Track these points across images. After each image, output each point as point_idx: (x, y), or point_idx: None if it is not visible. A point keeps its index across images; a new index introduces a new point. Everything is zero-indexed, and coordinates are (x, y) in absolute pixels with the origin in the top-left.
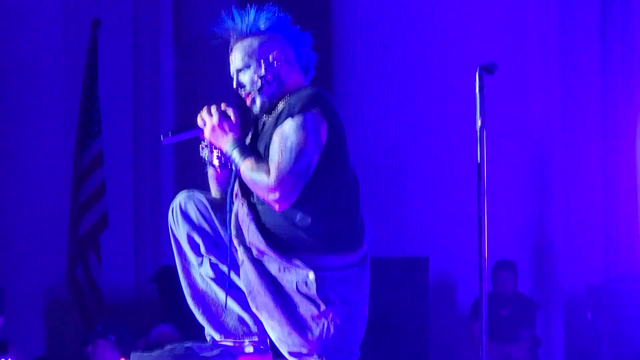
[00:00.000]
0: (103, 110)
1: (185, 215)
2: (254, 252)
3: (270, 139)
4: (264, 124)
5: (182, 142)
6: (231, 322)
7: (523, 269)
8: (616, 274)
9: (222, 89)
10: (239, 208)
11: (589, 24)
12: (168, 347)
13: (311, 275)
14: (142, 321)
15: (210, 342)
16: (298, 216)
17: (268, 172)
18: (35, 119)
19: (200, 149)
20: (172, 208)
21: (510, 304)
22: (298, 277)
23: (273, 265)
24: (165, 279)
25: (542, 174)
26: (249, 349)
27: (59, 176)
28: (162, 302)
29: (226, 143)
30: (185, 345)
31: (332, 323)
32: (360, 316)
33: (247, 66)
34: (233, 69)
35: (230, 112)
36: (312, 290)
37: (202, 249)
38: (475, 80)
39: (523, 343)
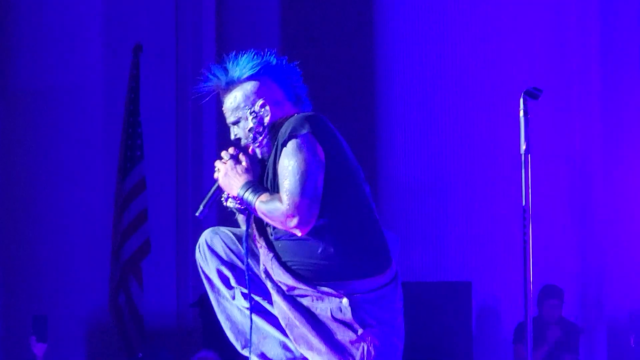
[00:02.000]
0: (145, 136)
1: (213, 251)
2: (284, 288)
3: (274, 173)
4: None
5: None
6: (274, 349)
7: (566, 295)
8: None
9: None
10: (260, 249)
11: (629, 45)
12: None
13: (344, 301)
14: (184, 347)
15: None
16: (320, 248)
17: (281, 201)
18: (77, 145)
19: (224, 200)
20: (199, 245)
21: (556, 329)
22: (332, 305)
23: (305, 297)
24: (208, 304)
25: (586, 198)
26: None
27: (102, 202)
28: (204, 328)
29: (238, 185)
30: None
31: (372, 345)
32: (398, 334)
33: (237, 121)
34: (227, 121)
35: (241, 156)
36: (348, 315)
37: (233, 282)
38: (519, 105)
39: None
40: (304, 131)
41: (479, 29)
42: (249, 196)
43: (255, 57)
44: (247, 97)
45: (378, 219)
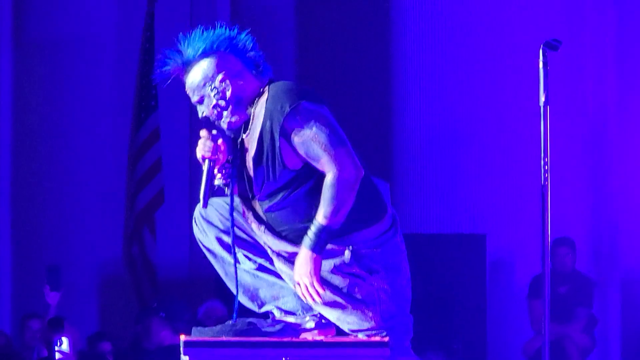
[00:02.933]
0: (159, 86)
1: (209, 222)
2: (285, 255)
3: (270, 145)
4: (243, 141)
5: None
6: (289, 302)
7: (580, 247)
8: None
9: (280, 51)
10: (251, 225)
11: None
12: (229, 322)
13: (347, 253)
14: (196, 297)
15: (271, 320)
16: (314, 209)
17: (327, 173)
18: (91, 95)
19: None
20: (195, 219)
21: (568, 282)
22: (335, 260)
23: None
24: None
25: (601, 151)
26: (311, 324)
27: (116, 152)
28: (216, 278)
29: (315, 262)
30: (247, 320)
31: (382, 290)
32: (405, 277)
33: (201, 99)
34: (192, 101)
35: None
36: (354, 265)
37: (234, 247)
38: (538, 57)
39: (579, 322)
40: (298, 100)
41: None
42: (318, 239)
43: (206, 32)
44: (205, 74)
45: (364, 165)
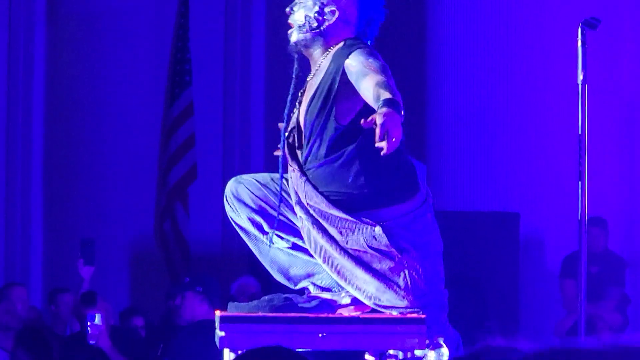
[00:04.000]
0: (194, 61)
1: (240, 200)
2: (314, 213)
3: (328, 88)
4: (305, 87)
5: (275, 91)
6: (325, 278)
7: (613, 227)
8: None
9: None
10: (291, 173)
11: None
12: (266, 297)
13: (377, 229)
14: (229, 273)
15: (307, 296)
16: (350, 177)
17: (370, 83)
18: (125, 69)
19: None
20: (226, 197)
21: (600, 262)
22: (364, 235)
23: (333, 230)
24: None
25: (637, 132)
26: (347, 300)
27: (149, 127)
28: (249, 254)
29: (396, 119)
30: (284, 296)
31: (413, 269)
32: (437, 257)
33: (305, 1)
34: None
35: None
36: (384, 242)
37: (266, 227)
38: (577, 35)
39: (612, 301)
40: (363, 46)
41: None
42: (395, 102)
43: None
44: None
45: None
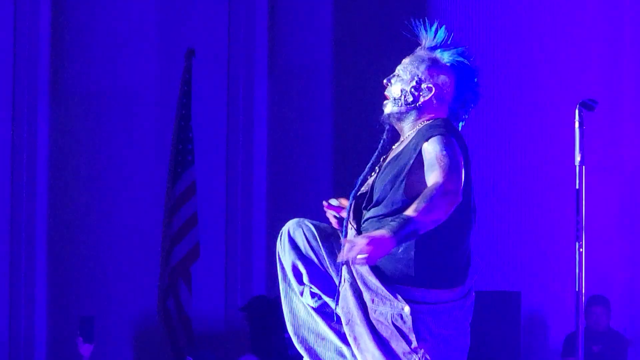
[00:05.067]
0: (196, 140)
1: (293, 243)
2: (355, 274)
3: (405, 161)
4: (388, 155)
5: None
6: (329, 353)
7: (615, 305)
8: None
9: (316, 117)
10: (349, 230)
11: None
12: None
13: (406, 309)
14: (231, 351)
15: None
16: (401, 248)
17: (434, 179)
18: (128, 149)
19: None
20: (281, 234)
21: (603, 340)
22: (393, 310)
23: (367, 294)
24: (256, 309)
25: (636, 209)
26: None
27: (152, 206)
28: (251, 332)
29: (387, 239)
30: None
31: (424, 359)
32: (455, 353)
33: (404, 74)
34: (397, 67)
35: (350, 228)
36: (408, 325)
37: (305, 279)
38: (574, 116)
39: None
40: (454, 137)
41: (532, 38)
42: (397, 227)
43: (467, 57)
44: (427, 71)
45: (470, 239)
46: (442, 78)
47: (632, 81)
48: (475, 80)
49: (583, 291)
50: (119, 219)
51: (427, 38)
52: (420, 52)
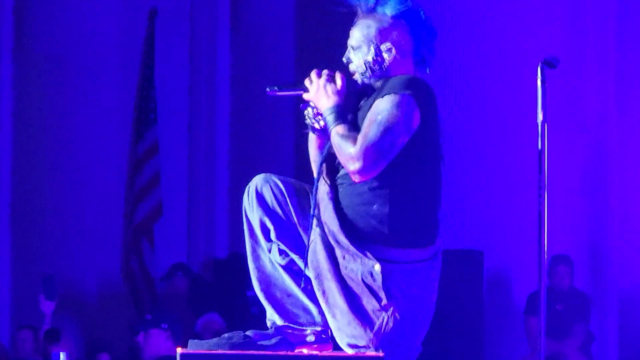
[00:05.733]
0: (159, 99)
1: (261, 199)
2: (326, 231)
3: (358, 115)
4: (361, 104)
5: (239, 131)
6: (295, 309)
7: (578, 264)
8: None
9: (278, 76)
10: (321, 185)
11: None
12: (226, 335)
13: (377, 267)
14: (194, 310)
15: (272, 328)
16: (376, 205)
17: (355, 141)
18: (91, 109)
19: (305, 106)
20: (248, 190)
21: (565, 299)
22: (363, 268)
23: (338, 252)
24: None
25: (599, 168)
26: (311, 337)
27: (115, 165)
28: (215, 290)
29: (325, 106)
30: (243, 334)
31: (392, 317)
32: (424, 312)
33: (359, 47)
34: (349, 42)
35: (338, 77)
36: (377, 282)
37: (273, 235)
38: (536, 74)
39: (577, 338)
40: (409, 92)
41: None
42: (330, 120)
43: (406, 1)
44: (379, 33)
45: (441, 196)
46: (395, 33)
47: (594, 39)
48: (424, 16)
49: (545, 250)
50: (82, 178)
51: (361, 3)
52: (362, 19)
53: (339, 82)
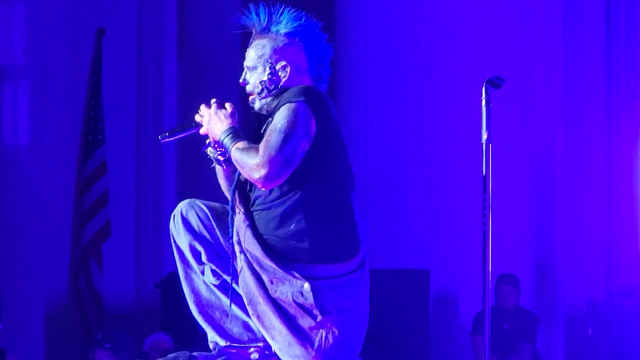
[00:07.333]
0: (107, 119)
1: (187, 224)
2: (250, 258)
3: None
4: (265, 125)
5: (186, 151)
6: (236, 328)
7: (524, 284)
8: (617, 290)
9: (225, 96)
10: (237, 214)
11: (593, 32)
12: (171, 355)
13: (306, 286)
14: (143, 329)
15: (215, 350)
16: (292, 225)
17: (257, 152)
18: (39, 127)
19: (206, 146)
20: (174, 216)
21: (512, 318)
22: (293, 288)
23: (265, 277)
24: (170, 287)
25: (544, 188)
26: (255, 355)
27: (63, 184)
28: (163, 310)
29: (221, 130)
30: (189, 354)
31: (330, 333)
32: (359, 323)
33: (255, 67)
34: (244, 63)
35: (227, 104)
36: (309, 301)
37: (204, 257)
38: (481, 94)
39: (523, 357)
40: (302, 99)
41: (442, 18)
42: (227, 141)
43: (301, 19)
44: (273, 52)
45: (353, 204)
46: (290, 50)
47: (541, 59)
48: (318, 33)
49: (490, 270)
50: (30, 199)
51: (255, 24)
52: (257, 40)
53: (228, 107)
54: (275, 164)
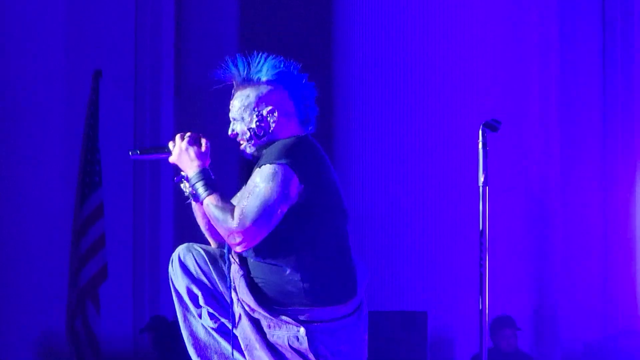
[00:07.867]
0: (103, 162)
1: (185, 268)
2: (245, 307)
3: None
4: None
5: (184, 194)
6: None
7: (521, 325)
8: (613, 332)
9: (221, 141)
10: (232, 263)
11: (588, 78)
12: None
13: (302, 331)
14: None
15: None
16: (287, 271)
17: (232, 214)
18: (36, 170)
19: (179, 177)
20: (172, 260)
21: None
22: (289, 333)
23: (263, 322)
24: (159, 329)
25: (541, 231)
26: None
27: (60, 227)
28: (158, 353)
29: (191, 171)
30: None
31: None
32: None
33: (242, 118)
34: (230, 115)
35: (203, 141)
36: (304, 346)
37: (201, 301)
38: (478, 137)
39: None
40: (285, 161)
41: (437, 57)
42: (200, 189)
43: (280, 64)
44: (259, 100)
45: (350, 247)
46: (274, 96)
47: (536, 102)
48: (298, 75)
49: (487, 312)
50: (27, 241)
51: (235, 74)
52: (240, 90)
53: (203, 145)
54: (249, 233)
